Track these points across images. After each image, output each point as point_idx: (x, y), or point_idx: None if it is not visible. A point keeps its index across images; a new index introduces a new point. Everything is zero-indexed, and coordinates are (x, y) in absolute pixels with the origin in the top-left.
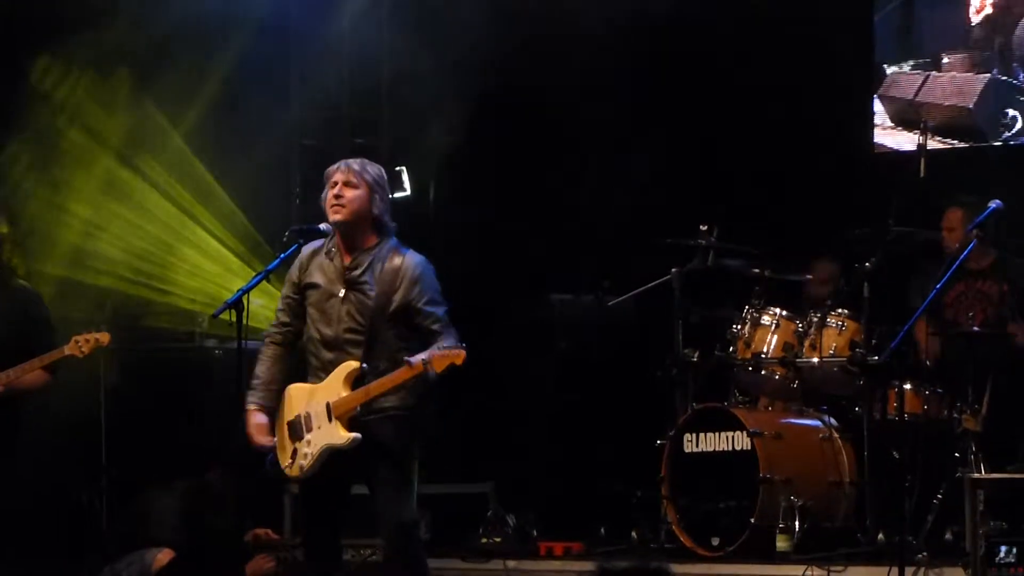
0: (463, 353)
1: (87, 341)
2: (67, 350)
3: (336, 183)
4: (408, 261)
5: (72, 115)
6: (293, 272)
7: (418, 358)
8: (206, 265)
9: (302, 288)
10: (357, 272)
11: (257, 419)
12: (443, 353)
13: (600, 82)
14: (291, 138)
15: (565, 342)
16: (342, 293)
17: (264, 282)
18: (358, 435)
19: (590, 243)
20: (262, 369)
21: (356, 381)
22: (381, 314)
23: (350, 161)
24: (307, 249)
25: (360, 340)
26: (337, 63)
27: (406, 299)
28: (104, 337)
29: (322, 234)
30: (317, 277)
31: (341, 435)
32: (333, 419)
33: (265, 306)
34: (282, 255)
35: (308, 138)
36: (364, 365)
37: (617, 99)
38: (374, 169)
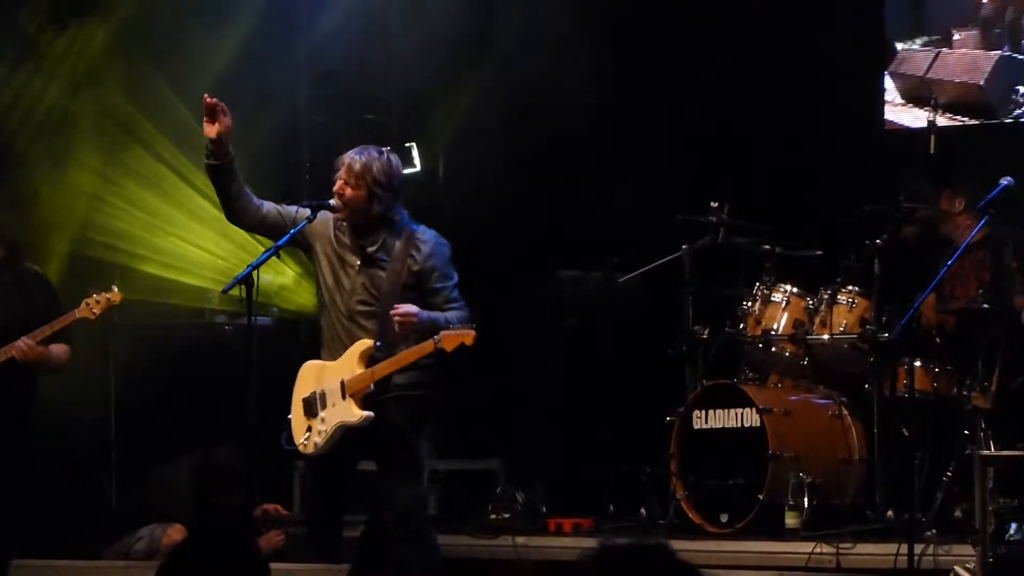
0: (473, 334)
1: (97, 302)
2: (78, 313)
3: (340, 178)
4: (420, 236)
5: (77, 87)
6: (316, 223)
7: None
8: (215, 240)
9: (305, 238)
10: (373, 248)
11: None
12: (453, 333)
13: (610, 57)
14: (300, 113)
15: (574, 319)
16: (358, 265)
17: (274, 258)
18: (371, 413)
19: (599, 219)
20: None
21: (370, 359)
22: (394, 289)
23: (354, 159)
24: (324, 215)
25: (372, 312)
26: (346, 38)
27: (419, 272)
28: (115, 296)
29: (332, 209)
30: (338, 245)
31: (354, 413)
32: (347, 397)
33: (274, 282)
34: (292, 230)
35: (317, 113)
36: (378, 343)
37: (628, 75)
38: (378, 167)
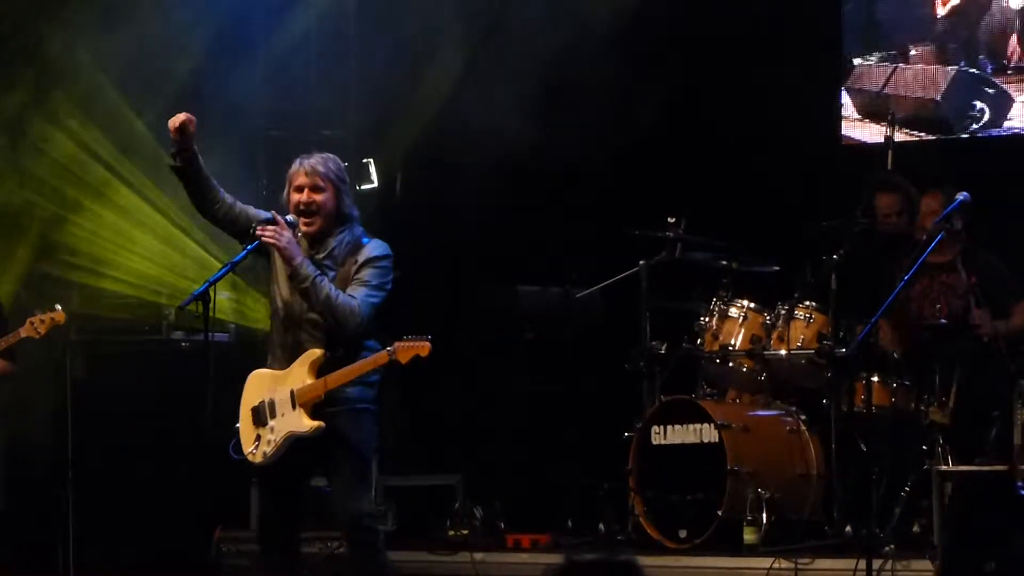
0: (428, 346)
1: (42, 321)
2: (23, 332)
3: (302, 188)
4: (368, 246)
5: (34, 102)
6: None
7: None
8: (171, 256)
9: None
10: (322, 255)
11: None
12: (408, 344)
13: (569, 74)
14: (258, 129)
15: (532, 334)
16: None
17: (231, 274)
18: (321, 423)
19: (558, 235)
20: None
21: (320, 368)
22: None
23: (312, 161)
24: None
25: (319, 321)
26: (304, 54)
27: (354, 270)
28: (59, 316)
29: (290, 225)
30: None
31: (305, 423)
32: (297, 406)
33: (232, 298)
34: (249, 247)
35: (275, 129)
36: (329, 353)
37: (586, 89)
38: (333, 164)
